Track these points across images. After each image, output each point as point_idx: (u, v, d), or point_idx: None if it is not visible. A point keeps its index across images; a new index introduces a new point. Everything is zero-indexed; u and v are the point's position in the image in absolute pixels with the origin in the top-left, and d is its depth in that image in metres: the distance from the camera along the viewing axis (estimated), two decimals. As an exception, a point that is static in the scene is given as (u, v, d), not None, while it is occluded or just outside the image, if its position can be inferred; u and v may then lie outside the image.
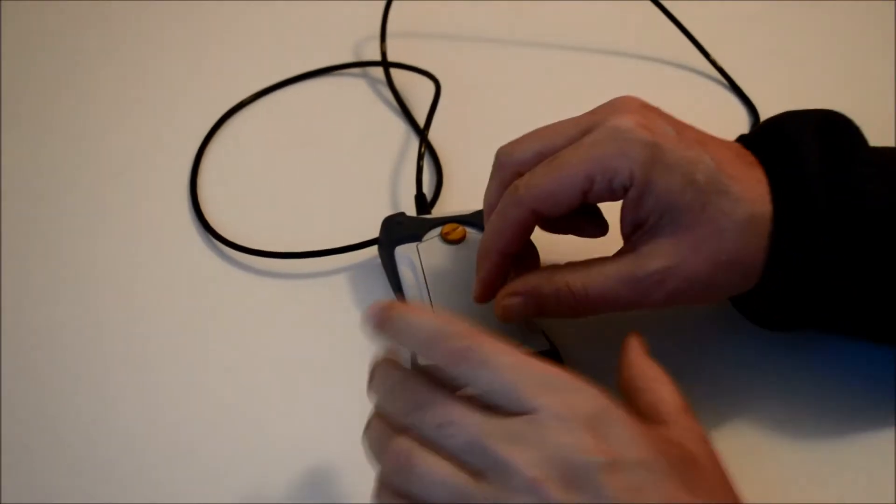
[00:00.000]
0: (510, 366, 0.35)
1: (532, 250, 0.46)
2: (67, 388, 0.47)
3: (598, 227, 0.45)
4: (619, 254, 0.42)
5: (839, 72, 0.63)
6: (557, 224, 0.45)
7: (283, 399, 0.47)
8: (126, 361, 0.48)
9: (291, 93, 0.62)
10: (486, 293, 0.44)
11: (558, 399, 0.34)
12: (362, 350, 0.48)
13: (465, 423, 0.34)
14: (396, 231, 0.49)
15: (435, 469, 0.34)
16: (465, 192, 0.52)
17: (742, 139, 0.44)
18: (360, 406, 0.46)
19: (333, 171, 0.57)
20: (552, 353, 0.44)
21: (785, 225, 0.41)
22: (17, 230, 0.54)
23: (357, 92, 0.62)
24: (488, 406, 0.34)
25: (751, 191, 0.41)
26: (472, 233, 0.49)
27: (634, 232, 0.42)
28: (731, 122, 0.59)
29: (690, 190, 0.40)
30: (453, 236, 0.48)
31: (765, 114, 0.59)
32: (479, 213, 0.49)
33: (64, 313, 0.50)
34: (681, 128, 0.42)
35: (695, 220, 0.40)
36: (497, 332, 0.43)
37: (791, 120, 0.43)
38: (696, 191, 0.40)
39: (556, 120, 0.46)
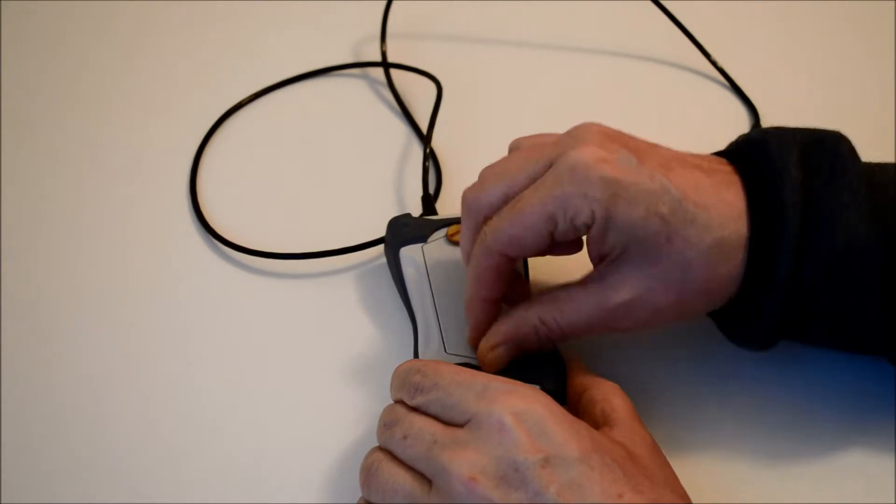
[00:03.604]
0: (456, 383, 0.38)
1: (520, 280, 0.46)
2: (67, 389, 0.47)
3: (572, 247, 0.45)
4: (588, 281, 0.42)
5: (839, 72, 0.63)
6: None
7: (286, 399, 0.47)
8: (126, 361, 0.48)
9: (291, 93, 0.62)
10: (480, 338, 0.44)
11: (496, 404, 0.36)
12: (365, 351, 0.49)
13: (422, 434, 0.37)
14: (402, 232, 0.49)
15: (393, 478, 0.37)
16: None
17: (726, 153, 0.44)
18: (363, 406, 0.46)
19: (333, 171, 0.57)
20: (555, 355, 0.44)
21: (760, 256, 0.40)
22: (16, 230, 0.54)
23: (357, 92, 0.62)
24: (447, 422, 0.37)
25: (720, 216, 0.40)
26: None
27: (602, 261, 0.42)
28: (731, 123, 0.59)
29: (654, 223, 0.39)
30: (458, 238, 0.48)
31: (765, 114, 0.60)
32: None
33: (63, 313, 0.50)
34: (644, 154, 0.41)
35: (660, 251, 0.40)
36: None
37: (776, 140, 0.42)
38: (661, 223, 0.39)
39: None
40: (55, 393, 0.47)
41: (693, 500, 0.38)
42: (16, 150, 0.59)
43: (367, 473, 0.38)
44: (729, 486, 0.43)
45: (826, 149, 0.41)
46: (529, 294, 0.46)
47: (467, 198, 0.43)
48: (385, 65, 0.62)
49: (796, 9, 0.67)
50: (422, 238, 0.48)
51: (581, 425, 0.37)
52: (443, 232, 0.49)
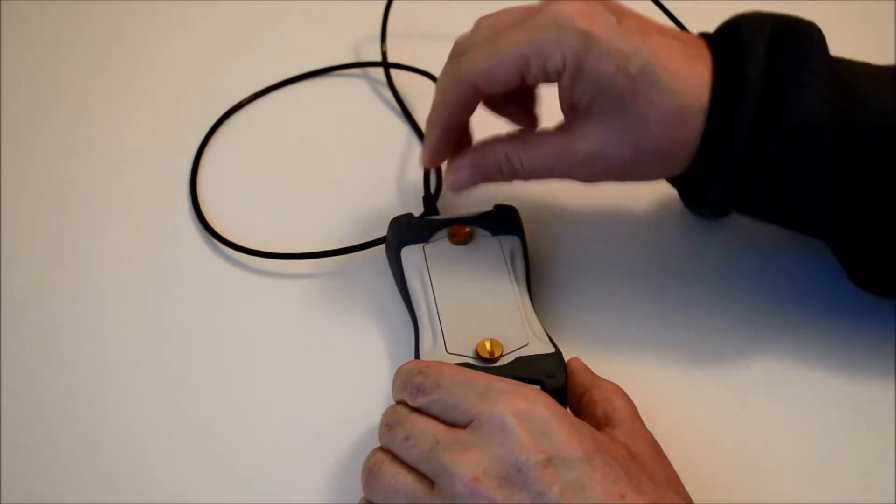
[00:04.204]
0: (457, 383, 0.38)
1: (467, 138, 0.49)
2: (67, 388, 0.47)
3: (529, 120, 0.49)
4: (557, 130, 0.45)
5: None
6: (496, 104, 0.49)
7: (286, 399, 0.47)
8: (126, 361, 0.48)
9: (291, 93, 0.62)
10: (434, 160, 0.48)
11: (497, 405, 0.36)
12: (366, 351, 0.49)
13: (424, 435, 0.37)
14: (403, 232, 0.49)
15: (395, 478, 0.37)
16: (465, 193, 0.52)
17: (707, 35, 0.45)
18: (365, 407, 0.46)
19: (333, 171, 0.57)
20: (556, 356, 0.44)
21: (716, 126, 0.42)
22: (16, 229, 0.54)
23: (357, 92, 0.62)
24: (449, 423, 0.38)
25: (685, 84, 0.42)
26: (479, 234, 0.48)
27: (570, 111, 0.44)
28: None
29: (622, 79, 0.42)
30: (460, 237, 0.48)
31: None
32: (487, 215, 0.49)
33: (63, 313, 0.50)
34: (624, 17, 0.43)
35: (624, 107, 0.42)
36: (499, 335, 0.43)
37: (749, 21, 0.44)
38: (628, 80, 0.42)
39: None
40: (54, 392, 0.47)
41: (694, 500, 0.38)
42: (15, 149, 0.59)
43: (369, 474, 0.39)
44: (729, 486, 0.43)
45: (797, 33, 0.43)
46: None
47: (458, 41, 0.46)
48: (385, 65, 0.62)
49: (796, 9, 0.67)
50: (423, 238, 0.48)
51: (583, 425, 0.37)
52: (444, 232, 0.49)
